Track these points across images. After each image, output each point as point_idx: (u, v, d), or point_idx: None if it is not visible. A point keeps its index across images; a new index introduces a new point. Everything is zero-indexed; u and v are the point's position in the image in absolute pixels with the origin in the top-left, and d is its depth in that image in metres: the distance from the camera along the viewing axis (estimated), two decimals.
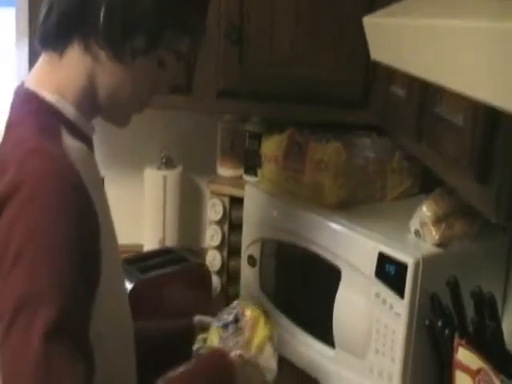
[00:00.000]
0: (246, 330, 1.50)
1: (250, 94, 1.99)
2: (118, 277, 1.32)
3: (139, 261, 1.94)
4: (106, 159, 2.22)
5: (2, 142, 1.19)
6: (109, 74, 1.21)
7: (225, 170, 2.34)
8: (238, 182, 2.26)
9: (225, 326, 1.51)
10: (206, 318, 1.60)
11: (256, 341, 1.48)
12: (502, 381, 1.39)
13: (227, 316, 1.53)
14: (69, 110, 1.21)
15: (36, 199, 1.05)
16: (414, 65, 0.99)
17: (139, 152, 2.41)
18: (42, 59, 1.25)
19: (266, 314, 1.55)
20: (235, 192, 2.22)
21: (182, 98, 2.00)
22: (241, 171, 2.31)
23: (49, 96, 1.20)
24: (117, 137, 2.33)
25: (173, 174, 2.34)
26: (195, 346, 1.54)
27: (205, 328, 1.56)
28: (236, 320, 1.51)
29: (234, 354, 1.41)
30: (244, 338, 1.48)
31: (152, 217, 2.34)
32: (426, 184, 1.90)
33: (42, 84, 1.22)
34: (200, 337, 1.56)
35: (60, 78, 1.22)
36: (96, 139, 1.32)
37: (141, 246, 2.34)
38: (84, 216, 1.09)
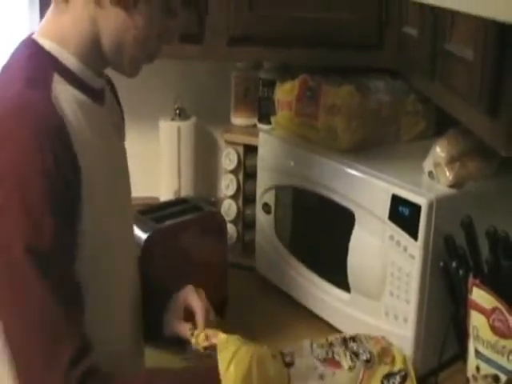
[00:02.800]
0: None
1: (262, 39, 1.96)
2: (119, 226, 1.31)
3: (154, 211, 1.93)
4: None
5: None
6: (111, 20, 1.19)
7: (239, 119, 2.32)
8: (252, 131, 2.24)
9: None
10: None
11: None
12: None
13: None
14: (69, 59, 1.19)
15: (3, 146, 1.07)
16: None
17: (153, 104, 2.40)
18: (50, 9, 1.24)
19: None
20: (249, 141, 2.20)
21: (194, 47, 1.99)
22: (255, 120, 2.29)
23: (47, 43, 1.19)
24: (129, 90, 2.29)
25: (187, 125, 2.34)
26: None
27: None
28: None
29: None
30: None
31: (167, 168, 2.34)
32: (441, 126, 1.87)
33: (45, 33, 1.21)
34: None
35: (63, 26, 1.20)
36: None
37: (156, 199, 2.35)
38: (56, 160, 1.08)
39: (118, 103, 1.45)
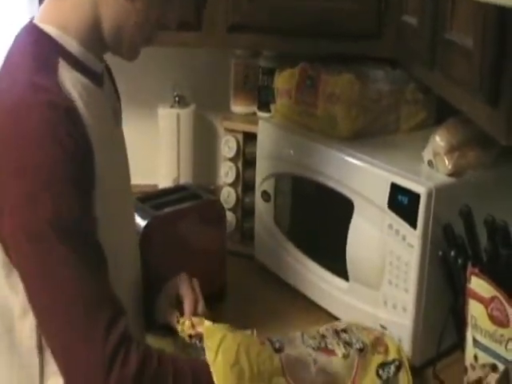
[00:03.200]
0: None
1: (261, 27, 1.95)
2: (122, 211, 1.33)
3: (153, 198, 1.93)
4: None
5: (1, 71, 1.20)
6: (112, 6, 1.21)
7: (238, 107, 2.32)
8: (251, 119, 2.23)
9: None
10: None
11: None
12: None
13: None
14: (70, 44, 1.21)
15: (19, 131, 1.09)
16: None
17: (152, 91, 2.39)
18: None
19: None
20: (249, 128, 2.20)
21: (193, 34, 1.98)
22: (254, 108, 2.28)
23: (50, 29, 1.20)
24: (129, 77, 2.30)
25: (186, 112, 2.33)
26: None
27: None
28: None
29: None
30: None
31: (166, 156, 2.34)
32: (442, 115, 1.87)
33: (47, 18, 1.22)
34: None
35: (64, 11, 1.21)
36: None
37: (155, 186, 2.35)
38: (72, 139, 1.10)
39: (116, 90, 1.45)
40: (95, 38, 1.23)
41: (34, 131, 1.08)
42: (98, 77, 1.27)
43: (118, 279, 1.24)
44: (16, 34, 1.24)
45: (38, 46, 1.19)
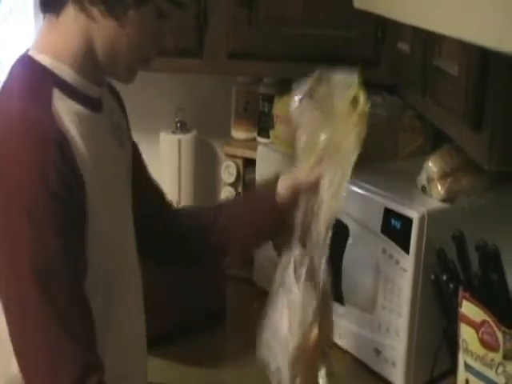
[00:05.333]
0: None
1: (261, 54, 1.99)
2: (118, 234, 1.33)
3: None
4: None
5: None
6: (103, 31, 1.20)
7: (239, 133, 2.35)
8: (251, 145, 2.26)
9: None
10: None
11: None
12: (503, 332, 1.39)
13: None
14: (65, 72, 1.21)
15: (7, 167, 1.10)
16: (396, 10, 0.99)
17: (154, 117, 2.42)
18: (43, 24, 1.25)
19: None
20: (249, 154, 2.23)
21: (194, 60, 2.02)
22: (255, 134, 2.31)
23: (44, 59, 1.21)
24: (131, 102, 2.32)
25: (187, 138, 2.36)
26: None
27: None
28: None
29: None
30: None
31: (167, 180, 2.35)
32: (440, 141, 1.89)
33: (40, 47, 1.23)
34: None
35: (57, 40, 1.22)
36: None
37: None
38: (61, 178, 1.10)
39: (124, 111, 1.46)
40: (90, 62, 1.23)
41: (21, 169, 1.09)
42: (94, 102, 1.28)
43: (117, 304, 1.25)
44: (11, 65, 1.24)
45: (32, 76, 1.20)
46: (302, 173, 1.40)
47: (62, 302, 1.10)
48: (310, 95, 1.36)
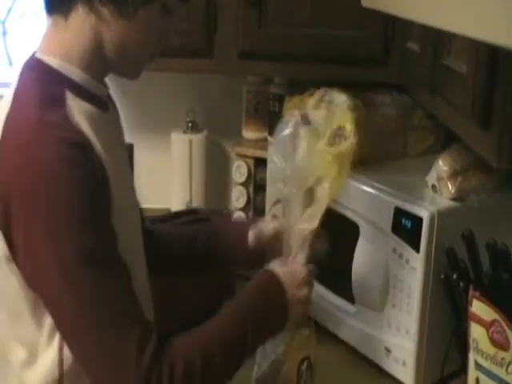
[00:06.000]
0: None
1: (271, 54, 2.00)
2: (133, 241, 1.35)
3: (163, 221, 1.96)
4: (133, 126, 2.26)
5: (9, 112, 1.18)
6: (114, 31, 1.21)
7: (249, 133, 2.35)
8: (262, 144, 2.27)
9: None
10: None
11: None
12: None
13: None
14: (75, 73, 1.22)
15: (35, 169, 1.10)
16: (403, 8, 0.99)
17: (165, 117, 2.44)
18: (49, 25, 1.25)
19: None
20: (260, 154, 2.23)
21: (204, 60, 2.03)
22: (265, 134, 2.32)
23: (53, 61, 1.21)
24: (143, 103, 2.37)
25: (198, 138, 2.37)
26: None
27: None
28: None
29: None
30: None
31: (179, 180, 2.37)
32: (450, 141, 1.89)
33: (48, 50, 1.23)
34: None
35: (65, 41, 1.22)
36: (122, 106, 1.31)
37: (168, 210, 2.37)
38: (88, 174, 1.12)
39: (118, 112, 1.48)
40: (98, 62, 1.24)
41: (50, 169, 1.10)
42: (102, 101, 1.29)
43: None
44: (20, 70, 1.24)
45: (43, 80, 1.20)
46: (266, 225, 1.58)
47: (113, 269, 1.15)
48: (305, 120, 1.39)
